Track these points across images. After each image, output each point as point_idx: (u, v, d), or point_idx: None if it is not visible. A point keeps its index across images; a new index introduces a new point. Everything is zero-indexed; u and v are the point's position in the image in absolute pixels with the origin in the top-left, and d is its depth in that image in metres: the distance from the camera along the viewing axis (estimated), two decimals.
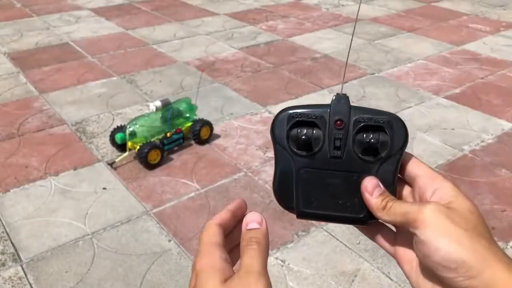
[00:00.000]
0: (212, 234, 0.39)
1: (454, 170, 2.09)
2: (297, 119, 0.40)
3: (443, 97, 2.75)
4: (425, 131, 2.40)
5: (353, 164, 0.40)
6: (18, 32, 3.77)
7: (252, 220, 0.39)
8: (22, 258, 1.61)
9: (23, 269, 1.57)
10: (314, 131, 0.40)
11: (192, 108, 2.29)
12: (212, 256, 0.37)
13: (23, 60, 3.22)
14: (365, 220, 0.40)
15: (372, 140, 0.39)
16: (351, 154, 0.40)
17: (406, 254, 0.40)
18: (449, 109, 2.62)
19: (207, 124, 2.24)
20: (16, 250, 1.65)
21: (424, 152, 2.22)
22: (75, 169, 2.07)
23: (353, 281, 1.54)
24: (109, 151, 2.19)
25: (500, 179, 2.03)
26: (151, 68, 3.12)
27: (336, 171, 0.40)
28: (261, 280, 0.34)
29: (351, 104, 0.40)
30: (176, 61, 3.23)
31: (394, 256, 0.41)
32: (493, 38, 3.71)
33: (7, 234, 1.71)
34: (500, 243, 1.69)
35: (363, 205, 0.40)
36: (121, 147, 2.14)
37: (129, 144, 2.08)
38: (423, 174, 0.39)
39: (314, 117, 0.40)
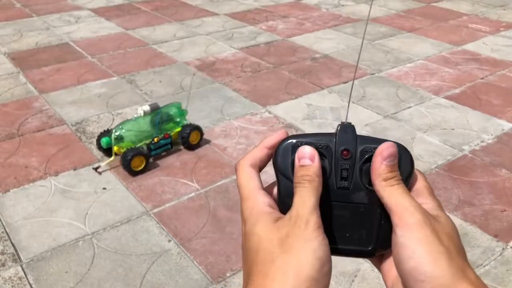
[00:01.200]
0: (248, 178, 0.38)
1: (454, 170, 2.09)
2: None
3: (443, 97, 2.75)
4: (425, 131, 2.40)
5: (360, 195, 0.39)
6: (18, 32, 3.77)
7: (303, 155, 0.37)
8: (22, 258, 1.61)
9: (23, 269, 1.57)
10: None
11: (182, 113, 2.24)
12: (254, 202, 0.37)
13: (23, 60, 3.22)
14: (373, 252, 0.39)
15: None
16: (358, 185, 0.39)
17: (391, 271, 0.38)
18: (449, 109, 2.62)
19: (197, 129, 2.19)
20: (16, 250, 1.65)
21: (424, 152, 2.22)
22: (75, 169, 2.07)
23: (353, 281, 1.54)
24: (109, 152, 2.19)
25: (500, 179, 2.03)
26: (151, 68, 3.12)
27: (343, 203, 0.39)
28: (310, 222, 0.34)
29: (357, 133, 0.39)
30: (176, 61, 3.23)
31: (379, 269, 0.40)
32: (493, 38, 3.71)
33: (7, 234, 1.71)
34: (500, 243, 1.69)
35: (370, 237, 0.39)
36: (108, 152, 2.11)
37: (115, 148, 2.04)
38: (413, 190, 0.38)
39: (320, 146, 0.39)
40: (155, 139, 2.08)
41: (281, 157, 0.39)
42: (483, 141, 2.31)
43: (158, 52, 3.39)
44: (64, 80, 2.92)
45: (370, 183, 0.38)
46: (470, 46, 3.53)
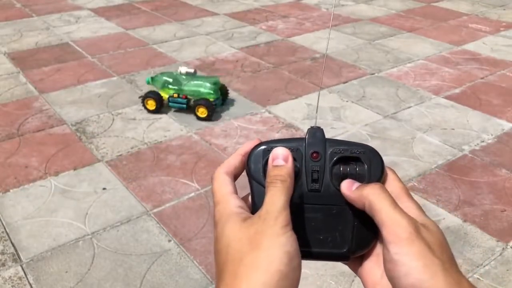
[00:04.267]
0: (222, 184, 0.39)
1: (454, 170, 2.09)
2: None
3: (443, 97, 2.75)
4: (425, 131, 2.40)
5: (331, 197, 0.39)
6: (18, 32, 3.77)
7: (277, 156, 0.38)
8: (22, 258, 1.62)
9: (23, 269, 1.57)
10: None
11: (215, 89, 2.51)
12: (226, 204, 0.37)
13: (23, 60, 3.22)
14: (348, 255, 0.39)
15: (349, 171, 0.39)
16: (329, 187, 0.39)
17: (371, 276, 0.38)
18: (449, 109, 2.62)
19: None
20: (16, 250, 1.65)
21: (424, 152, 2.22)
22: (75, 169, 2.07)
23: (353, 281, 1.54)
24: (109, 151, 2.19)
25: (500, 179, 2.03)
26: (151, 68, 3.12)
27: (315, 205, 0.39)
28: (279, 219, 0.34)
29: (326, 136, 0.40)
30: (176, 61, 3.23)
31: (358, 275, 0.40)
32: (493, 38, 3.71)
33: (7, 234, 1.71)
34: (500, 243, 1.69)
35: (344, 239, 0.39)
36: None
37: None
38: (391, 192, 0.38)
39: (290, 149, 0.39)
40: (175, 95, 2.47)
41: (253, 163, 0.39)
42: (483, 141, 2.31)
43: (158, 52, 3.39)
44: (64, 80, 2.92)
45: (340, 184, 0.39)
46: (470, 46, 3.53)
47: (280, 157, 0.38)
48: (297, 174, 0.39)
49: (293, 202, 0.37)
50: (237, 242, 0.34)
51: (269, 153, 0.39)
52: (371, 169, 0.39)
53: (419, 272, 0.32)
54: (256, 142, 0.40)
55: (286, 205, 0.35)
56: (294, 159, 0.39)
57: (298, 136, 0.41)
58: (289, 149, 0.39)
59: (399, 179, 0.39)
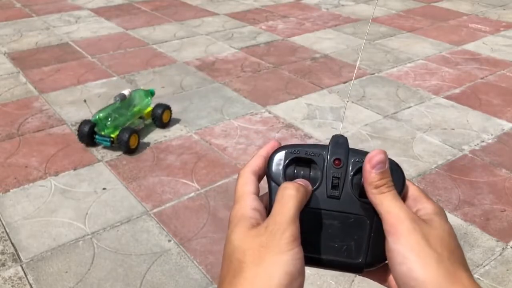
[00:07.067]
0: (244, 183, 0.39)
1: (454, 170, 2.09)
2: (295, 155, 0.39)
3: (443, 97, 2.75)
4: (425, 131, 2.40)
5: (350, 205, 0.39)
6: (18, 32, 3.77)
7: (299, 180, 0.38)
8: (22, 258, 1.61)
9: (23, 269, 1.57)
10: (312, 169, 0.39)
11: (147, 94, 2.43)
12: (242, 204, 0.37)
13: (23, 60, 3.22)
14: (362, 267, 0.39)
15: None
16: (349, 195, 0.39)
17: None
18: (449, 109, 2.62)
19: (168, 108, 2.39)
20: (16, 250, 1.65)
21: (424, 152, 2.22)
22: (75, 169, 2.07)
23: (353, 281, 1.54)
24: (109, 151, 2.19)
25: (500, 179, 2.03)
26: (151, 68, 3.12)
27: (333, 212, 0.39)
28: (287, 231, 0.34)
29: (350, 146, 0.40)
30: (176, 61, 3.23)
31: (384, 284, 0.40)
32: (493, 38, 3.71)
33: (7, 234, 1.71)
34: (500, 243, 1.69)
35: (359, 250, 0.38)
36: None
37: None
38: (408, 197, 0.39)
39: (312, 154, 0.39)
40: (102, 132, 2.21)
41: (275, 165, 0.39)
42: (483, 141, 2.31)
43: (158, 52, 3.39)
44: (64, 80, 2.92)
45: (361, 194, 0.38)
46: (470, 46, 3.53)
47: (301, 181, 0.38)
48: (316, 179, 0.39)
49: (310, 206, 0.38)
50: (241, 252, 0.34)
51: (291, 156, 0.39)
52: (394, 182, 0.38)
53: (412, 262, 0.33)
54: (275, 144, 0.41)
55: (296, 217, 0.35)
56: (315, 164, 0.39)
57: (315, 143, 0.42)
58: (311, 153, 0.39)
59: (417, 186, 0.40)
